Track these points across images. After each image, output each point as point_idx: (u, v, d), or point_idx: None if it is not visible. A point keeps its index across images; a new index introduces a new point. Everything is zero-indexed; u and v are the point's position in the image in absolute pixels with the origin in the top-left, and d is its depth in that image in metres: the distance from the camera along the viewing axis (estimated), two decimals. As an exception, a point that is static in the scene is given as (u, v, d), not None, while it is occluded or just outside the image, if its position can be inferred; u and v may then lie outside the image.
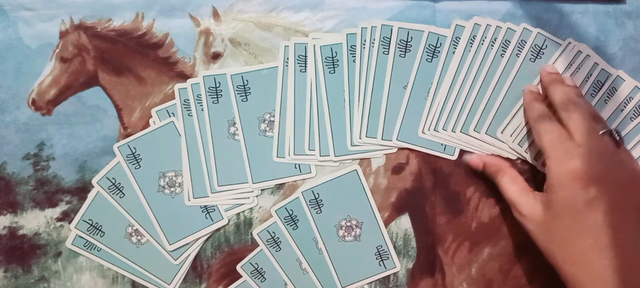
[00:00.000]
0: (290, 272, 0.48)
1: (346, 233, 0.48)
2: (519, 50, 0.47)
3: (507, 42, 0.47)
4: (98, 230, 0.48)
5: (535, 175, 0.48)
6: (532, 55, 0.47)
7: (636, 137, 0.47)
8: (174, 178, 0.48)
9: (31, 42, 0.48)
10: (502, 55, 0.47)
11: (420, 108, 0.48)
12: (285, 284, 0.49)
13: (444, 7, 0.48)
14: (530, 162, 0.47)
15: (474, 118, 0.47)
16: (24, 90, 0.48)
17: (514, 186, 0.43)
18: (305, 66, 0.48)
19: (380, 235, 0.48)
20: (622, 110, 0.47)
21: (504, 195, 0.44)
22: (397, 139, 0.48)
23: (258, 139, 0.48)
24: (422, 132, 0.48)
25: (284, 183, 0.49)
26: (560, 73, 0.47)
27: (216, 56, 0.49)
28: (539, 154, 0.47)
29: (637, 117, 0.47)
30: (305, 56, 0.48)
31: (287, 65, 0.48)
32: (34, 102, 0.48)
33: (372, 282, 0.49)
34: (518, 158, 0.47)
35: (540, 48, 0.47)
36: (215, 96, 0.48)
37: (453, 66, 0.47)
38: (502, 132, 0.47)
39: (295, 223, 0.48)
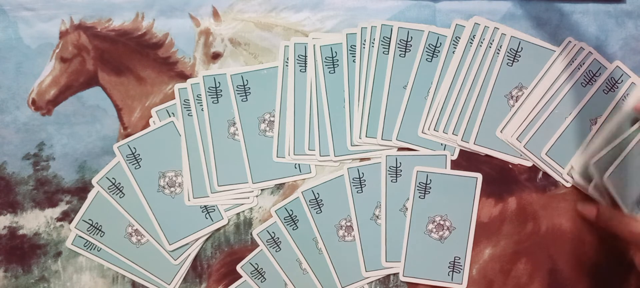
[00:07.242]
0: (290, 272, 0.48)
1: (346, 233, 0.48)
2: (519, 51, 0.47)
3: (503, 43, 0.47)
4: (98, 230, 0.48)
5: (535, 175, 0.48)
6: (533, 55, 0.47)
7: None
8: (174, 178, 0.48)
9: (31, 42, 0.48)
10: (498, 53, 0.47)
11: (420, 108, 0.48)
12: (285, 284, 0.49)
13: (444, 7, 0.48)
14: (529, 159, 0.47)
15: (474, 118, 0.47)
16: (24, 90, 0.48)
17: None
18: (305, 66, 0.48)
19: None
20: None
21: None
22: (397, 139, 0.48)
23: (258, 139, 0.48)
24: (422, 132, 0.48)
25: (284, 183, 0.49)
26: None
27: (216, 56, 0.49)
28: (537, 150, 0.47)
29: None
30: (305, 56, 0.48)
31: (287, 65, 0.48)
32: (34, 102, 0.48)
33: (372, 281, 0.48)
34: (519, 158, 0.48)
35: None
36: (215, 96, 0.48)
37: (453, 66, 0.47)
38: (501, 131, 0.47)
39: (295, 223, 0.48)
